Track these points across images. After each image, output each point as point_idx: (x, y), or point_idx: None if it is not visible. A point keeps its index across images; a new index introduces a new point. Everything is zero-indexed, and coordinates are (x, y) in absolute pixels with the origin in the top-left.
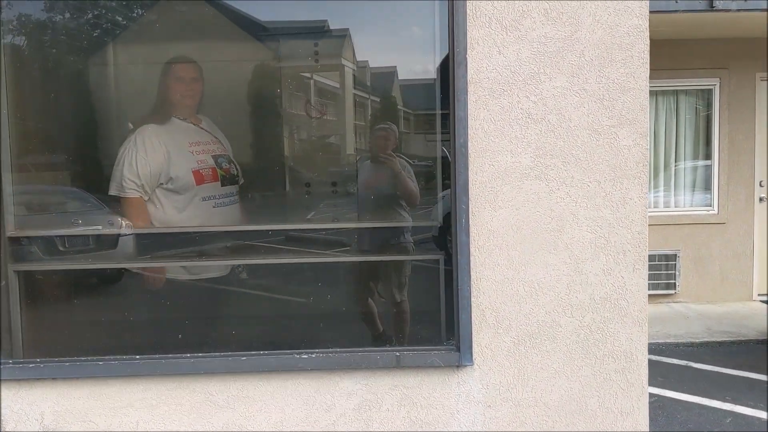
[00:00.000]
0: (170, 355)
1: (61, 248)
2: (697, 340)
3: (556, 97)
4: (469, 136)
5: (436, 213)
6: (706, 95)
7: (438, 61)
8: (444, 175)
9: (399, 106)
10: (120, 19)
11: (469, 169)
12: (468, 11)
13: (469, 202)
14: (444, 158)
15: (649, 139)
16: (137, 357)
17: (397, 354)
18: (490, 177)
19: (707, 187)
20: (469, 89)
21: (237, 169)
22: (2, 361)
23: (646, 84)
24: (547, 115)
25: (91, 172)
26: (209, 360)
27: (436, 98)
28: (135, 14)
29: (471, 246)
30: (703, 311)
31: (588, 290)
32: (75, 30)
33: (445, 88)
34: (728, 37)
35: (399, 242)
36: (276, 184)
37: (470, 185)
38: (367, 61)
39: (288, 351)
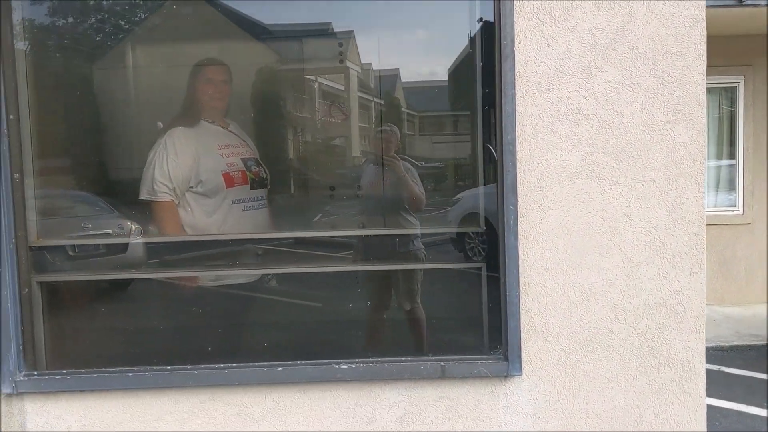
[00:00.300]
0: (203, 366)
1: (71, 253)
2: (726, 344)
3: (608, 92)
4: (516, 133)
5: (453, 216)
6: (730, 93)
7: (479, 54)
8: (467, 174)
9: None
10: (123, 23)
11: (518, 167)
12: (515, 1)
13: (518, 202)
14: (488, 155)
15: (706, 135)
16: (168, 368)
17: (442, 364)
18: (538, 176)
19: (732, 187)
20: (516, 83)
21: (266, 173)
22: (26, 372)
23: (702, 77)
24: (599, 110)
25: (100, 176)
26: (244, 371)
27: (477, 94)
28: (142, 17)
29: (519, 249)
30: (730, 314)
31: (642, 295)
32: (84, 33)
33: (489, 83)
34: (753, 33)
35: (408, 249)
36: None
37: (518, 185)
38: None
39: (326, 361)
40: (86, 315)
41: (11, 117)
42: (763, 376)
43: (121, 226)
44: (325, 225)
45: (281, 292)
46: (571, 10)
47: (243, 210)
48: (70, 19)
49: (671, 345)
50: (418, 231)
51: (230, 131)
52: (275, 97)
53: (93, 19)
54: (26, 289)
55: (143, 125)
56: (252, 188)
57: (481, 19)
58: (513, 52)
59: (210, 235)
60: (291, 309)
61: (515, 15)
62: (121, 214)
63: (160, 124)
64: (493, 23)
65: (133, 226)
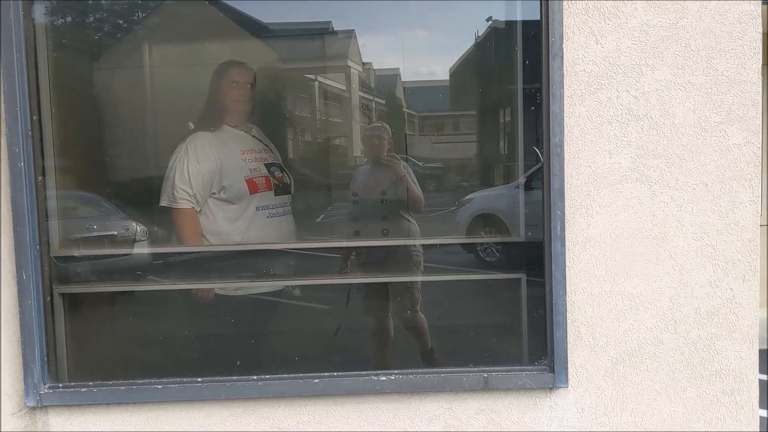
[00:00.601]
0: (235, 377)
1: (75, 254)
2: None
3: (659, 92)
4: (564, 135)
5: (460, 222)
6: None
7: (520, 52)
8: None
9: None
10: (137, 23)
11: (565, 171)
12: None
13: (565, 207)
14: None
15: (761, 136)
16: (198, 380)
17: (485, 375)
18: (586, 180)
19: None
20: (564, 83)
21: (290, 178)
22: (51, 385)
23: (758, 76)
24: (650, 111)
25: (104, 176)
26: (278, 383)
27: (518, 93)
28: (140, 17)
29: (566, 256)
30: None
31: (693, 303)
32: (85, 33)
33: (531, 81)
34: None
35: (408, 252)
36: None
37: (566, 189)
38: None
39: (364, 372)
40: (107, 323)
41: (34, 117)
42: (764, 376)
43: (126, 227)
44: (326, 226)
45: (311, 298)
46: (621, 6)
47: (267, 217)
48: (66, 19)
49: (723, 355)
50: (457, 241)
51: (253, 136)
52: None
53: (108, 18)
54: (48, 298)
55: (157, 126)
56: (276, 194)
57: (490, 18)
58: (561, 50)
59: (227, 245)
60: (310, 316)
61: (563, 11)
62: (125, 215)
63: (191, 124)
64: (540, 21)
65: (139, 227)
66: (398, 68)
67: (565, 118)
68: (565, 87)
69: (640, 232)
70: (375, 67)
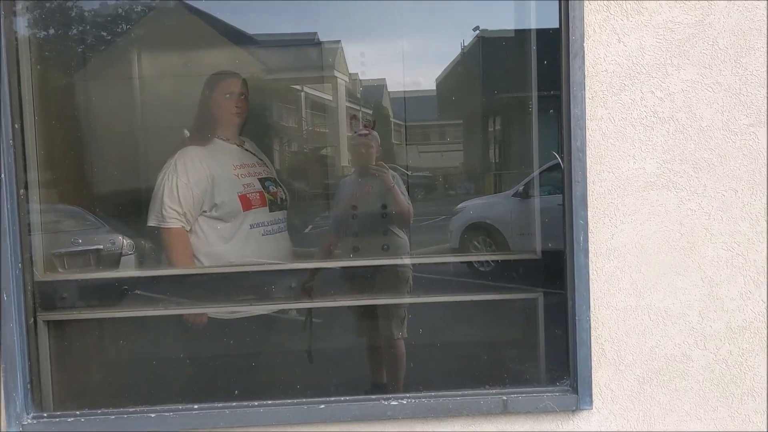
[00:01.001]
0: (234, 404)
1: (60, 270)
2: None
3: (686, 92)
4: (586, 139)
5: (452, 231)
6: None
7: (534, 52)
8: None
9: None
10: (104, 34)
11: (587, 177)
12: None
13: (588, 216)
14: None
15: None
16: (195, 407)
17: (504, 398)
18: (609, 187)
19: None
20: (585, 84)
21: (285, 193)
22: (35, 414)
23: None
24: (675, 113)
25: (89, 189)
26: (281, 409)
27: (533, 95)
28: (125, 27)
29: (590, 268)
30: None
31: (724, 318)
32: (66, 44)
33: (549, 83)
34: None
35: (396, 268)
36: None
37: (589, 197)
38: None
39: (374, 397)
40: (95, 347)
41: (16, 126)
42: None
43: (112, 240)
44: (315, 236)
45: (299, 314)
46: (644, 2)
47: (262, 235)
48: (72, 27)
49: (755, 372)
50: (463, 259)
51: (246, 149)
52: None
53: (93, 28)
54: (31, 321)
55: (142, 137)
56: (271, 210)
57: (477, 27)
58: (583, 48)
59: (220, 267)
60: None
61: (584, 8)
62: (111, 228)
63: (186, 132)
64: (558, 18)
65: (125, 241)
66: (384, 78)
67: (586, 121)
68: (587, 88)
69: (667, 241)
70: (362, 77)
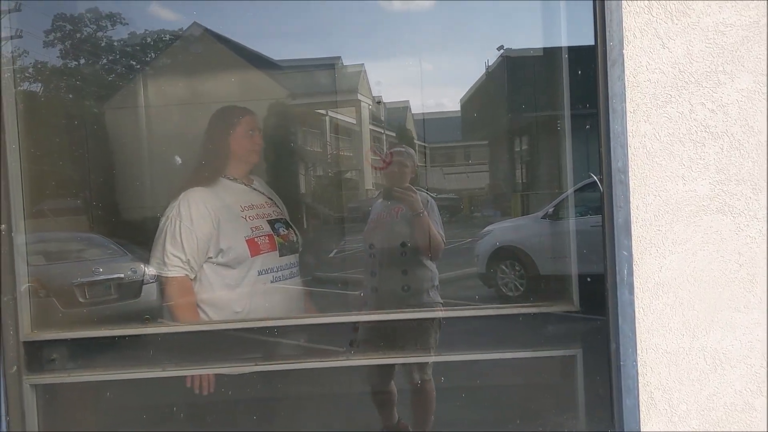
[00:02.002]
0: None
1: (81, 299)
2: None
3: (741, 103)
4: (628, 158)
5: (479, 255)
6: None
7: (566, 62)
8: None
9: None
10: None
11: (630, 202)
12: None
13: (632, 246)
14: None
15: None
16: None
17: None
18: (656, 212)
19: None
20: (626, 95)
21: (296, 235)
22: None
23: None
24: (730, 127)
25: (111, 217)
26: None
27: (565, 110)
28: (151, 56)
29: (636, 305)
30: None
31: None
32: (90, 74)
33: (582, 98)
34: None
35: (422, 301)
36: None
37: (633, 224)
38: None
39: None
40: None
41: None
42: None
43: (133, 269)
44: (339, 261)
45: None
46: (691, 3)
47: (271, 282)
48: (68, 61)
49: None
50: (516, 310)
51: (254, 188)
52: None
53: (89, 60)
54: (13, 369)
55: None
56: (281, 255)
57: (501, 46)
58: (622, 56)
59: (224, 322)
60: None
61: (623, 10)
62: (133, 257)
63: (177, 158)
64: (593, 23)
65: (147, 269)
66: (408, 100)
67: (628, 138)
68: (627, 101)
69: (724, 274)
70: (385, 99)
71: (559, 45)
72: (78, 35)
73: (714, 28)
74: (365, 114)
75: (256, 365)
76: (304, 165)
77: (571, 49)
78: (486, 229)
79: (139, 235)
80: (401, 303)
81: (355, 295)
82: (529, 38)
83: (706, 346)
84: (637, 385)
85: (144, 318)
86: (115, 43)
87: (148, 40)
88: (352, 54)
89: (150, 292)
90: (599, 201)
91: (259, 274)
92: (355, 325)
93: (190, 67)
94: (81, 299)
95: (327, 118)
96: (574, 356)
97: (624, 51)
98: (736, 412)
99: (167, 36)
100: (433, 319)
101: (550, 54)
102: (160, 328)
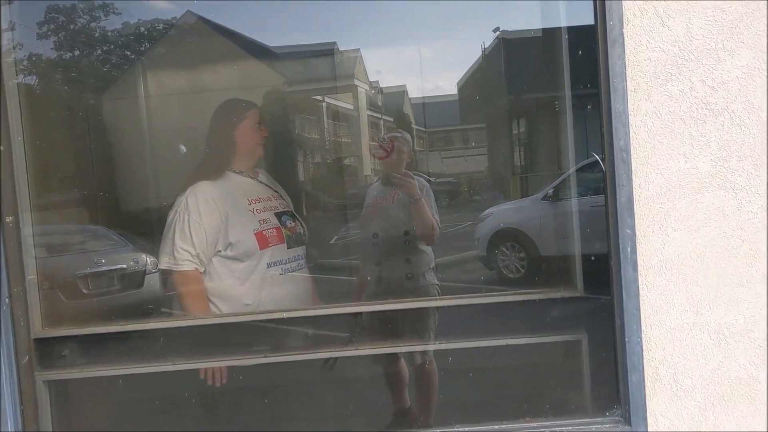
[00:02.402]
0: None
1: (84, 291)
2: None
3: (741, 80)
4: (630, 137)
5: (479, 238)
6: None
7: (565, 43)
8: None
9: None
10: (119, 47)
11: (633, 180)
12: None
13: (635, 224)
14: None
15: None
16: None
17: (548, 431)
18: (658, 190)
19: None
20: (627, 75)
21: (303, 227)
22: None
23: None
24: (730, 104)
25: (113, 208)
26: None
27: (566, 91)
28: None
29: (639, 283)
30: None
31: None
32: (86, 66)
33: (583, 75)
34: None
35: (419, 285)
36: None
37: (635, 202)
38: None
39: (413, 431)
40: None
41: (1, 148)
42: None
43: (135, 259)
44: (340, 248)
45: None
46: None
47: (280, 273)
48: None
49: None
50: (519, 297)
51: (260, 182)
52: None
53: (109, 46)
54: (25, 359)
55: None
56: (289, 247)
57: (497, 29)
58: (622, 34)
59: (236, 315)
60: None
61: None
62: (135, 247)
63: (183, 148)
64: (593, 4)
65: (149, 259)
66: (405, 85)
67: (629, 117)
68: (628, 80)
69: (726, 249)
70: (382, 84)
71: (558, 25)
72: (72, 26)
73: (713, 5)
74: (362, 99)
75: (266, 357)
76: (303, 152)
77: (571, 29)
78: (486, 212)
79: (139, 226)
80: (404, 290)
81: (357, 282)
82: (529, 19)
83: (710, 321)
84: (642, 361)
85: (147, 308)
86: (110, 34)
87: (142, 29)
88: (347, 40)
89: (152, 282)
90: (598, 181)
91: (268, 267)
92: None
93: (184, 56)
94: (84, 290)
95: (324, 104)
96: (579, 341)
97: (624, 30)
98: (741, 385)
99: (160, 25)
100: (428, 294)
101: (549, 35)
102: (170, 322)
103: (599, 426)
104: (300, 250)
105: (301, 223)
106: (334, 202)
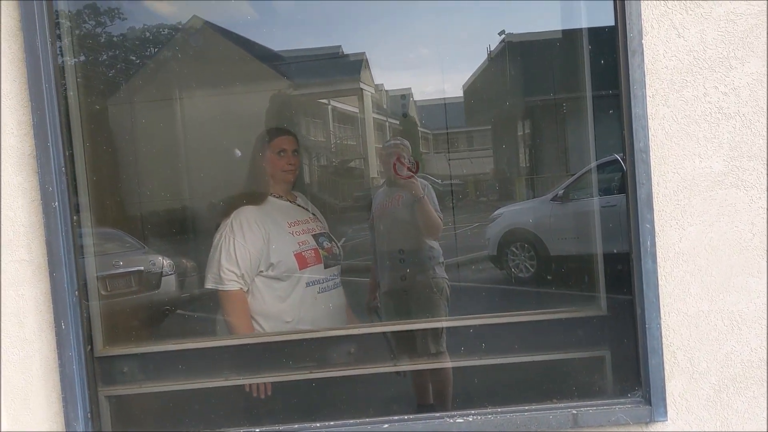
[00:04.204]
0: (296, 426)
1: (103, 292)
2: None
3: (751, 86)
4: (649, 139)
5: (490, 238)
6: None
7: (587, 53)
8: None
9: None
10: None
11: (652, 179)
12: None
13: (654, 219)
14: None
15: None
16: (256, 430)
17: (574, 412)
18: (675, 187)
19: None
20: (646, 82)
21: (339, 248)
22: None
23: None
24: (741, 108)
25: (128, 211)
26: (344, 430)
27: (587, 96)
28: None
29: (658, 274)
30: None
31: None
32: (102, 70)
33: (606, 82)
34: None
35: (429, 277)
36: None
37: (654, 199)
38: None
39: (438, 414)
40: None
41: (67, 152)
42: None
43: (153, 261)
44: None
45: None
46: None
47: (318, 292)
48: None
49: None
50: (538, 316)
51: (298, 205)
52: None
53: (126, 51)
54: (89, 347)
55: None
56: (326, 267)
57: (502, 31)
58: (641, 45)
59: (279, 334)
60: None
61: (641, 4)
62: (151, 249)
63: (238, 152)
64: (615, 17)
65: (165, 261)
66: (410, 87)
67: (648, 120)
68: (647, 86)
69: (739, 242)
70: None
71: (580, 29)
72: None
73: (725, 17)
74: (368, 102)
75: (311, 373)
76: (308, 155)
77: (591, 31)
78: (495, 212)
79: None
80: (429, 301)
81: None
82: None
83: (723, 308)
84: (662, 346)
85: (164, 309)
86: (115, 39)
87: (147, 34)
88: (353, 43)
89: (168, 283)
90: (608, 182)
91: (307, 286)
92: (372, 303)
93: (190, 60)
94: (103, 292)
95: (329, 107)
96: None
97: (643, 41)
98: (752, 368)
99: (166, 30)
100: (441, 292)
101: (570, 37)
102: (221, 341)
103: (622, 407)
104: (336, 270)
105: (336, 244)
106: (340, 204)
